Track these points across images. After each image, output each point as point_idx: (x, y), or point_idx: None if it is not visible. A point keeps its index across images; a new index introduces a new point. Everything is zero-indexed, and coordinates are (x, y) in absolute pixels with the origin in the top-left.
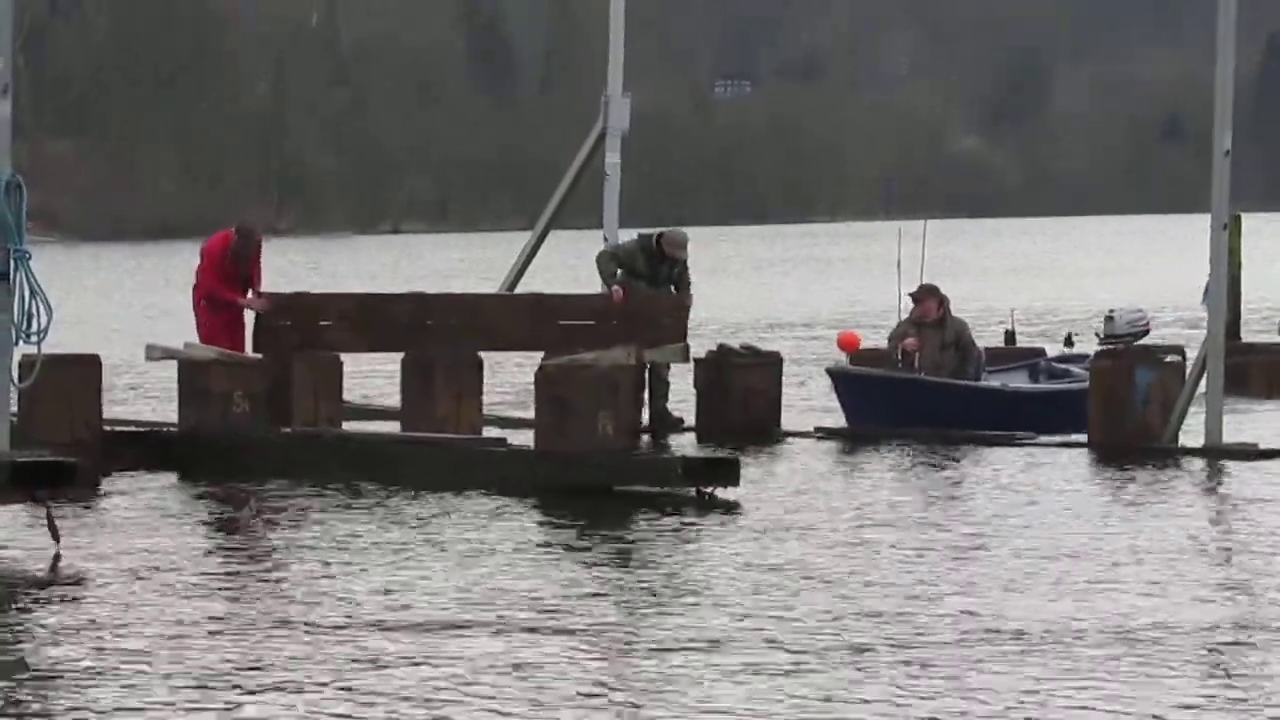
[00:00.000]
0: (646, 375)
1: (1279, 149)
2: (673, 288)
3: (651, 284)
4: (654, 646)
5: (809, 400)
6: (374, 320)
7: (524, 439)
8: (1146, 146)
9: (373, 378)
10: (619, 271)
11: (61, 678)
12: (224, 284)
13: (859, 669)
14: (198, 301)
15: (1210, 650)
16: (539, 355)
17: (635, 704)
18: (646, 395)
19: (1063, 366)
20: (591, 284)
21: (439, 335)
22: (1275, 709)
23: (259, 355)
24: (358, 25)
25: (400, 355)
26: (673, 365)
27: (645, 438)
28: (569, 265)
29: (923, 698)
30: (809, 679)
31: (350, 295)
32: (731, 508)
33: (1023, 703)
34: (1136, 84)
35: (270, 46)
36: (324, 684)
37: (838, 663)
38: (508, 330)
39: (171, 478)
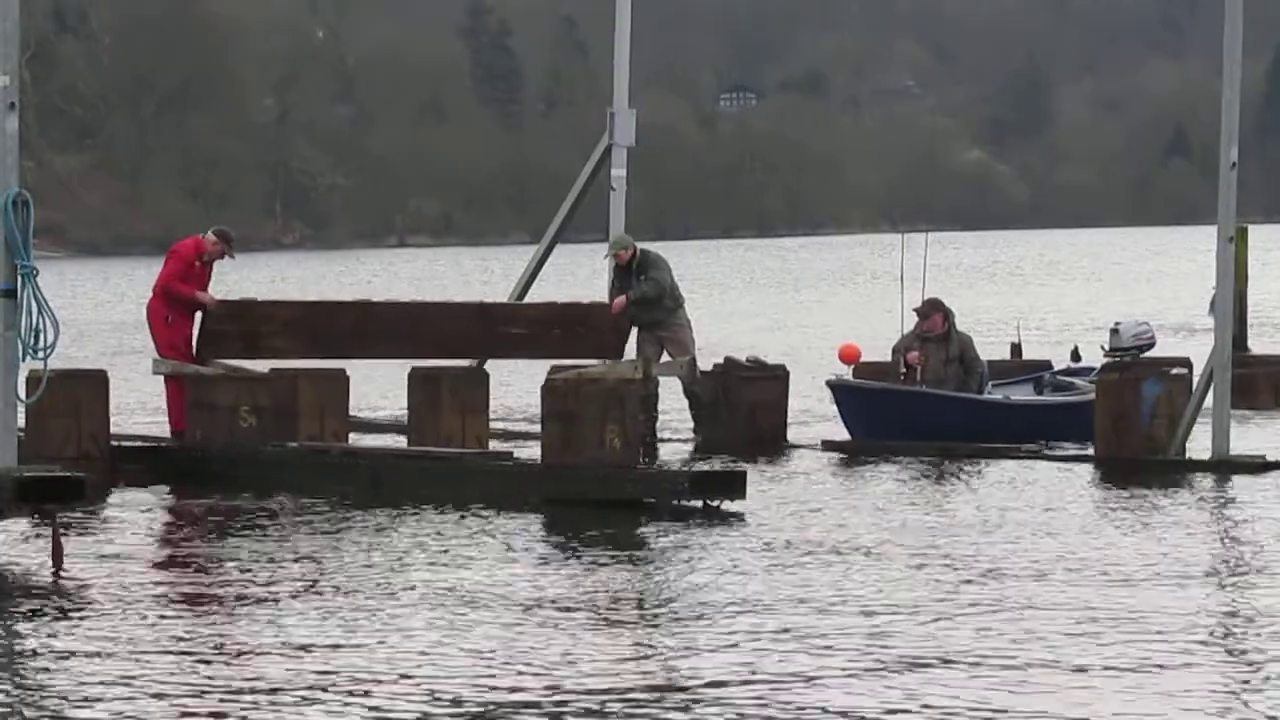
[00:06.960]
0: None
1: None
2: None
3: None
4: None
5: (813, 411)
6: (316, 328)
7: (531, 452)
8: (1151, 160)
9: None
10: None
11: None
12: (184, 282)
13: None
14: (156, 311)
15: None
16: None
17: None
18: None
19: (1068, 380)
20: (595, 296)
21: (382, 343)
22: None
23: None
24: (363, 41)
25: (395, 366)
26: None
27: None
28: (575, 278)
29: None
30: None
31: (296, 303)
32: (737, 520)
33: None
34: (1140, 97)
35: (276, 62)
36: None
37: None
38: (450, 338)
39: (179, 491)
